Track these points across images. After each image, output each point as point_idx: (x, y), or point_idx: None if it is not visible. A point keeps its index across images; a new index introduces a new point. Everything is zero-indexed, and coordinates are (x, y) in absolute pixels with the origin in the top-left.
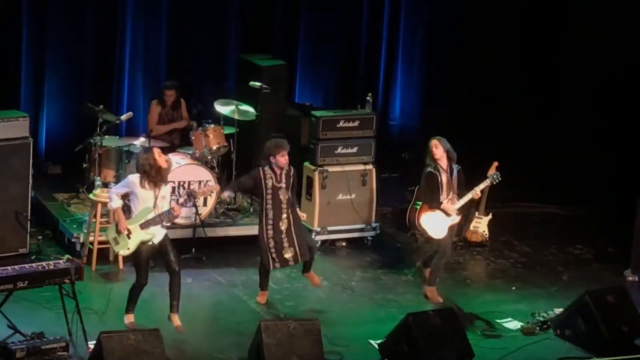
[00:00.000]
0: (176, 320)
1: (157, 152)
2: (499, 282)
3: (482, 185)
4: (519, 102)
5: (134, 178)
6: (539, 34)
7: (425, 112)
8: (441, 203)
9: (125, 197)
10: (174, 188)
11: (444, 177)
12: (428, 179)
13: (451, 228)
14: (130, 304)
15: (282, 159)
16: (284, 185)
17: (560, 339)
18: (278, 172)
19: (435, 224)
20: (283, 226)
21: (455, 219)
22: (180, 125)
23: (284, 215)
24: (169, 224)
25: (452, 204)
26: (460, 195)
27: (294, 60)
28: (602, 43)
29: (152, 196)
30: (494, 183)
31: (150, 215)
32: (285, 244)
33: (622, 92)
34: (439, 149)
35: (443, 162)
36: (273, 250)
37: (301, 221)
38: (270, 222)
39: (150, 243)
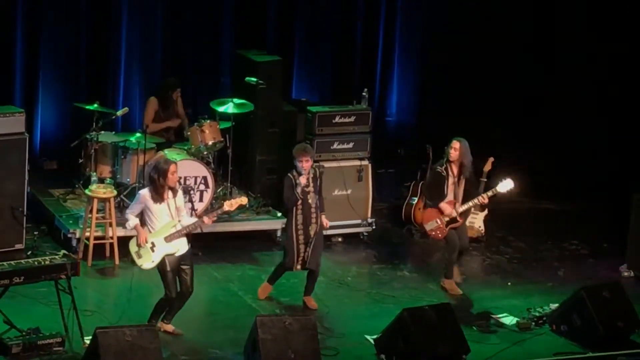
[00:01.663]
0: (167, 327)
1: (173, 168)
2: (494, 278)
3: (490, 192)
4: (514, 98)
5: (145, 192)
6: (536, 31)
7: (421, 109)
8: (441, 201)
9: (140, 215)
10: None
11: (450, 180)
12: (435, 177)
13: (455, 228)
14: (153, 316)
15: (307, 164)
16: (312, 189)
17: (556, 335)
18: (305, 176)
19: (435, 224)
20: (312, 231)
21: (457, 221)
22: (174, 123)
23: (314, 220)
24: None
25: (457, 207)
26: (467, 198)
27: (290, 55)
28: (601, 42)
29: (166, 208)
30: (505, 191)
31: (175, 228)
32: (309, 248)
33: (617, 89)
34: (456, 152)
35: (455, 166)
36: (302, 254)
37: (323, 230)
38: (301, 227)
39: (175, 255)
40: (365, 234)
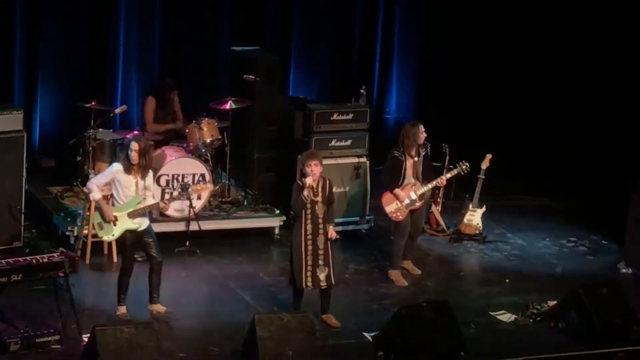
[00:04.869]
0: (158, 307)
1: (135, 147)
2: (492, 275)
3: (448, 174)
4: (513, 95)
5: (118, 166)
6: (536, 27)
7: (420, 106)
8: (397, 187)
9: (105, 187)
10: (167, 181)
11: (409, 163)
12: (393, 162)
13: (413, 212)
14: (120, 295)
15: (316, 168)
16: (320, 199)
17: (554, 332)
18: (314, 185)
19: (395, 206)
20: (321, 243)
21: (416, 203)
22: (177, 126)
23: (321, 231)
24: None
25: (416, 190)
26: (425, 180)
27: (288, 53)
28: (601, 41)
29: (134, 184)
30: (462, 173)
31: (140, 205)
32: (321, 262)
33: (617, 86)
34: (424, 134)
35: (412, 148)
36: (310, 267)
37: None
38: (310, 237)
39: (136, 231)
40: (363, 231)
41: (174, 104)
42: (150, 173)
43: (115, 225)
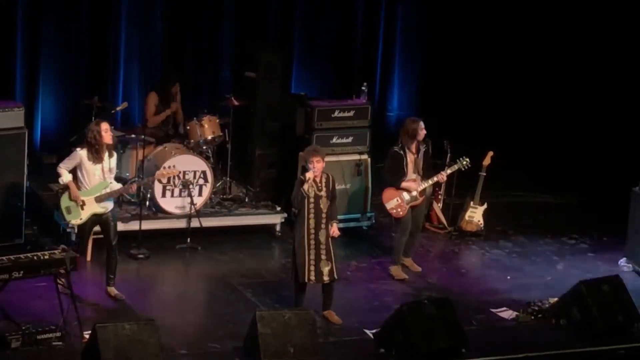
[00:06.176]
0: (113, 291)
1: (104, 127)
2: (494, 272)
3: (449, 170)
4: (514, 92)
5: (81, 151)
6: (537, 25)
7: (423, 103)
8: (402, 181)
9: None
10: (169, 178)
11: (409, 158)
12: (393, 158)
13: (413, 208)
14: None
15: (318, 164)
16: (324, 194)
17: (555, 329)
18: (317, 180)
19: (396, 202)
20: (323, 237)
21: (417, 199)
22: (172, 108)
23: (323, 226)
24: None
25: (416, 185)
26: (425, 177)
27: (290, 50)
28: (601, 40)
29: (100, 169)
30: (463, 169)
31: (106, 190)
32: (324, 256)
33: (617, 83)
34: (424, 131)
35: (412, 144)
36: (313, 262)
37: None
38: (313, 231)
39: (102, 215)
40: (364, 227)
41: (176, 97)
42: (115, 155)
43: (83, 209)
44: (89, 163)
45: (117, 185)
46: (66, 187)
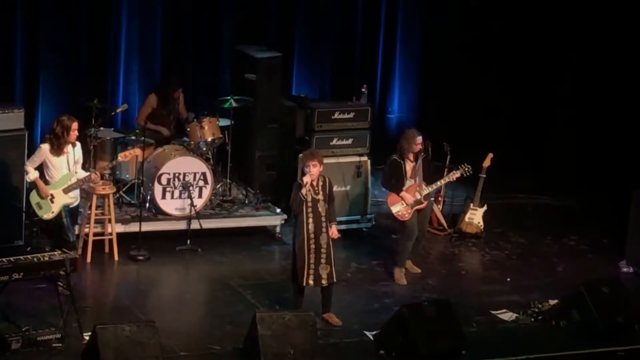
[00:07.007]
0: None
1: (75, 126)
2: (494, 274)
3: (452, 176)
4: (515, 94)
5: (44, 146)
6: (537, 26)
7: (423, 105)
8: (401, 190)
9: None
10: (169, 179)
11: (408, 166)
12: (392, 166)
13: (419, 212)
14: None
15: (314, 168)
16: (321, 197)
17: (555, 330)
18: (314, 183)
19: (401, 206)
20: (323, 241)
21: (422, 202)
22: (165, 132)
23: (324, 229)
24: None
25: (420, 190)
26: (428, 182)
27: (290, 51)
28: (602, 42)
29: (65, 161)
30: (465, 175)
31: (73, 180)
32: (323, 260)
33: (619, 85)
34: (419, 146)
35: (412, 153)
36: (312, 265)
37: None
38: (313, 235)
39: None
40: (364, 229)
41: (179, 103)
42: (78, 144)
43: (52, 202)
44: (52, 157)
45: (83, 174)
46: (34, 185)
